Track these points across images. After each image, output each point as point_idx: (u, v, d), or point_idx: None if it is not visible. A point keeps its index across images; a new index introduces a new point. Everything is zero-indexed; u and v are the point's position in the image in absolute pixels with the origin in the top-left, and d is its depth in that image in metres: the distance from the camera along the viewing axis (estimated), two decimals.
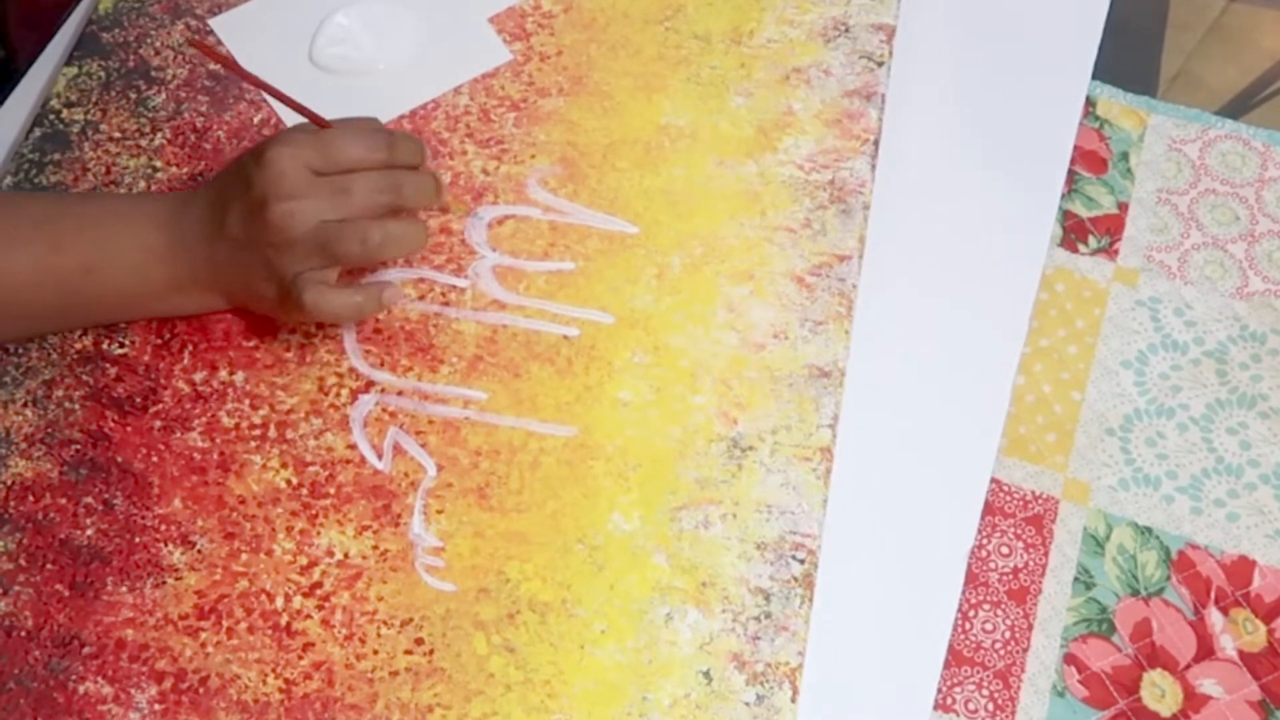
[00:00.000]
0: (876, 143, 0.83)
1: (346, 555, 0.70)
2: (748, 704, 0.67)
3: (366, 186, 0.70)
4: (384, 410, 0.74)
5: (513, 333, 0.77)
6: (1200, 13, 0.95)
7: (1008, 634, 0.76)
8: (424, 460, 0.73)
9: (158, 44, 0.86)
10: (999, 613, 0.77)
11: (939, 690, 0.73)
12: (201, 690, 0.67)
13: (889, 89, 0.86)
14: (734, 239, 0.80)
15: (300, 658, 0.68)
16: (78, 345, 0.76)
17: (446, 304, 0.78)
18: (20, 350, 0.76)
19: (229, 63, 0.72)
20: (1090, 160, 0.89)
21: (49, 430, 0.74)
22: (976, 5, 0.93)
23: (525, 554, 0.71)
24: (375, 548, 0.71)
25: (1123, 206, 0.88)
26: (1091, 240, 0.87)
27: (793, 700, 0.68)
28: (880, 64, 0.86)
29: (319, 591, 0.70)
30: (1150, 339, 0.83)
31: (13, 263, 0.71)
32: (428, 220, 0.80)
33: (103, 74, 0.85)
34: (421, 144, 0.74)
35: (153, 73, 0.85)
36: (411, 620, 0.69)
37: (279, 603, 0.69)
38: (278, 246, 0.69)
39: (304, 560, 0.70)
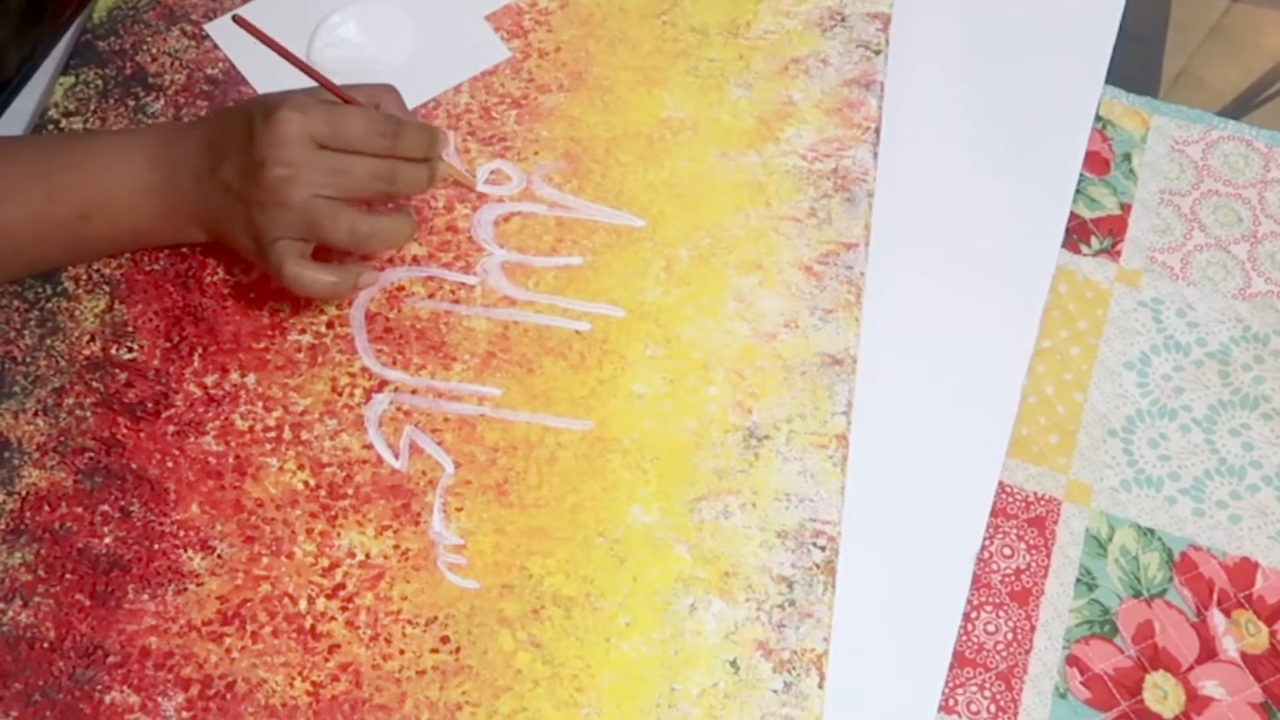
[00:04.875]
0: (878, 131, 0.84)
1: (368, 555, 0.70)
2: (776, 691, 0.67)
3: (365, 171, 0.70)
4: (399, 409, 0.74)
5: (524, 328, 0.77)
6: (1202, 13, 0.95)
7: (1010, 635, 0.76)
8: (441, 458, 0.73)
9: (154, 50, 0.86)
10: (1001, 614, 0.77)
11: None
12: (229, 696, 0.67)
13: (890, 79, 0.86)
14: (740, 229, 0.80)
15: (326, 660, 0.68)
16: (86, 351, 0.76)
17: (456, 301, 0.77)
18: (28, 359, 0.75)
19: (267, 39, 0.73)
20: (1093, 161, 0.90)
21: (61, 439, 0.73)
22: None
23: (547, 549, 0.71)
24: (396, 547, 0.70)
25: (1125, 207, 0.88)
26: (1094, 241, 0.87)
27: (820, 686, 0.68)
28: (878, 52, 0.87)
29: (342, 593, 0.69)
30: (1153, 340, 0.83)
31: (11, 217, 0.72)
32: (434, 219, 0.80)
33: (100, 82, 0.84)
34: (433, 136, 0.73)
35: (150, 79, 0.85)
36: (436, 619, 0.69)
37: (302, 605, 0.69)
38: (266, 208, 0.69)
39: (325, 562, 0.70)
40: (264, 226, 0.70)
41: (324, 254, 0.75)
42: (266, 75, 0.85)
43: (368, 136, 0.70)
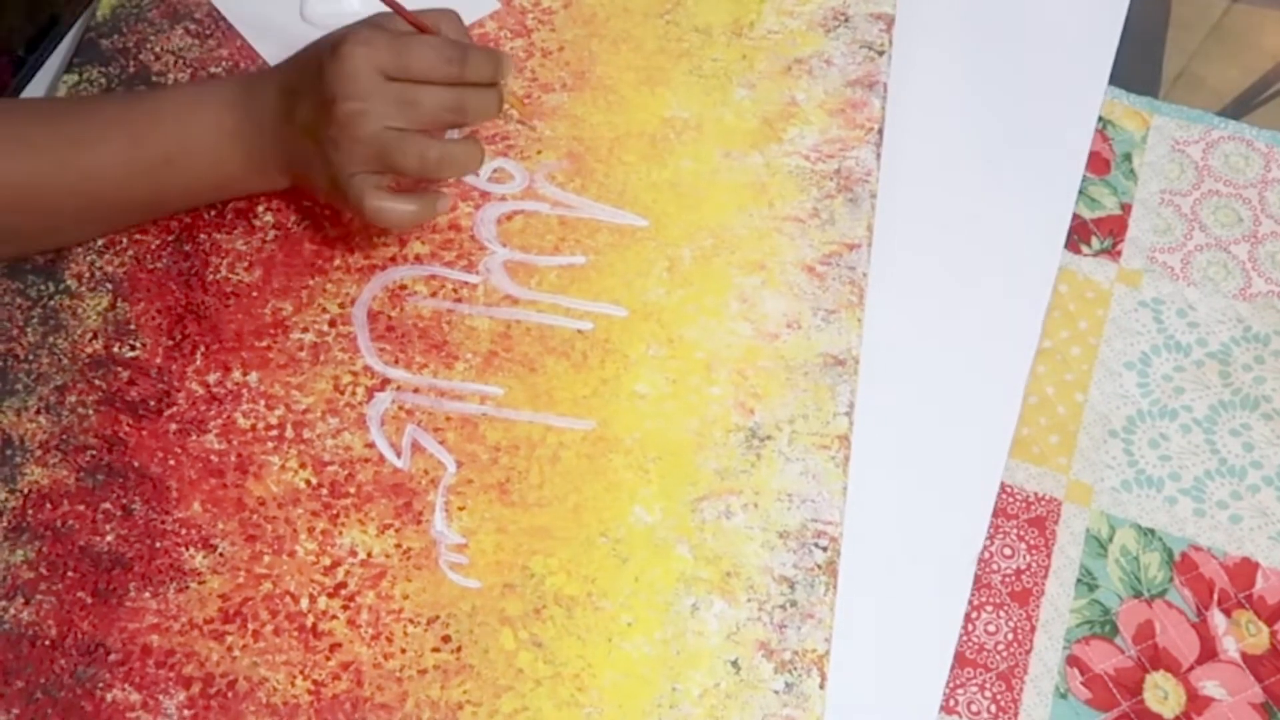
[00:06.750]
0: (881, 131, 0.84)
1: (370, 554, 0.70)
2: (777, 692, 0.67)
3: (434, 101, 0.70)
4: (401, 408, 0.74)
5: (526, 328, 0.77)
6: (1202, 13, 0.95)
7: (1010, 636, 0.76)
8: (443, 457, 0.73)
9: (158, 48, 0.86)
10: (1001, 614, 0.77)
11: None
12: (230, 694, 0.67)
13: (893, 79, 0.86)
14: (743, 230, 0.80)
15: (328, 658, 0.68)
16: (88, 350, 0.76)
17: (459, 300, 0.77)
18: (30, 356, 0.75)
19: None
20: (1094, 161, 0.90)
21: (64, 437, 0.73)
22: None
23: (549, 549, 0.71)
24: (398, 546, 0.70)
25: (1126, 207, 0.88)
26: (1094, 241, 0.87)
27: (821, 687, 0.68)
28: (881, 53, 0.86)
29: (344, 592, 0.69)
30: (1153, 340, 0.83)
31: (97, 161, 0.73)
32: (439, 212, 0.80)
33: (104, 80, 0.84)
34: (499, 59, 0.72)
35: (154, 77, 0.85)
36: (438, 618, 0.69)
37: (304, 604, 0.69)
38: (338, 144, 0.70)
39: (327, 560, 0.70)
40: (339, 163, 0.70)
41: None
42: (259, 31, 0.85)
43: (435, 65, 0.70)
